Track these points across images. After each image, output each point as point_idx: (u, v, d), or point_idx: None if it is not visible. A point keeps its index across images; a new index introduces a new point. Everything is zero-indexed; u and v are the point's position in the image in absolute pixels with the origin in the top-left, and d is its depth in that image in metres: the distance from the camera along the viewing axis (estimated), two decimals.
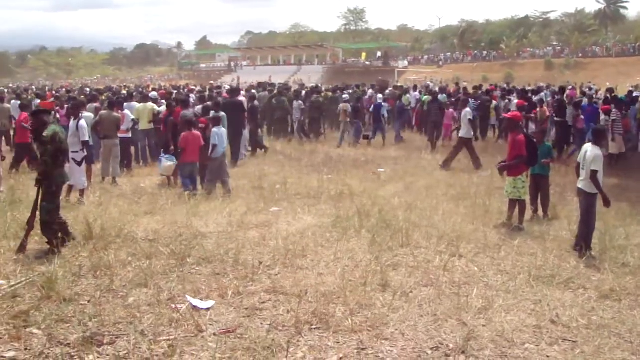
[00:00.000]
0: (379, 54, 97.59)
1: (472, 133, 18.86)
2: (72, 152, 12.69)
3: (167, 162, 14.81)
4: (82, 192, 12.91)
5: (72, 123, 13.11)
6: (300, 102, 24.14)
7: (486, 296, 7.29)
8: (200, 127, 14.44)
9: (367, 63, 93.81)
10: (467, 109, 18.48)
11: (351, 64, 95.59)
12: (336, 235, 9.83)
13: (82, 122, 12.90)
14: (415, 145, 22.99)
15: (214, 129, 13.99)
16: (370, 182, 15.42)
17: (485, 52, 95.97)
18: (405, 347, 5.95)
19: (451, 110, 22.50)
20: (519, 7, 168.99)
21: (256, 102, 21.51)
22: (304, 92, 27.96)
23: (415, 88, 32.56)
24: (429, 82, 50.11)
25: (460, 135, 18.48)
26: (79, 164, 12.82)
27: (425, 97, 26.97)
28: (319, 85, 43.02)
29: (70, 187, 12.66)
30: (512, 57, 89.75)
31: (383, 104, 25.15)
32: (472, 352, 5.85)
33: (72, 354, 5.71)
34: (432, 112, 22.79)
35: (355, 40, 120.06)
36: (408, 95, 28.30)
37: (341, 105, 24.09)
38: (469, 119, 18.04)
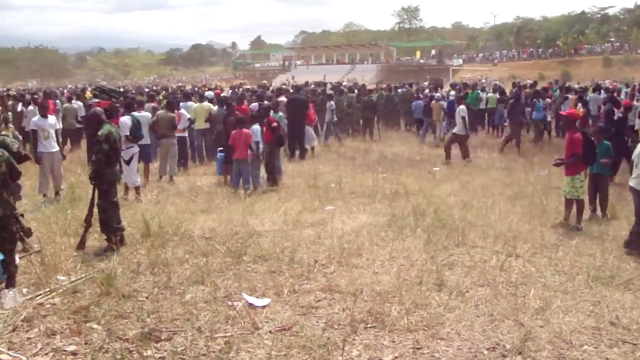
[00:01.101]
0: (433, 52, 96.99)
1: (466, 130, 19.06)
2: (122, 150, 12.90)
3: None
4: (137, 189, 13.09)
5: None
6: (332, 102, 23.83)
7: (544, 297, 7.17)
8: (273, 125, 14.66)
9: (421, 61, 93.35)
10: (462, 107, 18.84)
11: (405, 63, 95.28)
12: (391, 234, 9.82)
13: (123, 119, 13.07)
14: (470, 143, 22.76)
15: (253, 127, 14.11)
16: (426, 180, 15.31)
17: (541, 50, 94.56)
18: (461, 347, 5.90)
19: (528, 109, 22.38)
20: (576, 3, 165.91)
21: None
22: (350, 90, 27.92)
23: (474, 86, 31.99)
24: (496, 81, 48.59)
25: (454, 131, 18.94)
26: (127, 162, 12.98)
27: (491, 95, 26.59)
28: (365, 84, 42.84)
29: (127, 185, 12.90)
30: (569, 54, 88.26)
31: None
32: (530, 353, 5.77)
33: (131, 349, 5.82)
34: (514, 112, 22.37)
35: (409, 39, 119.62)
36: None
37: (434, 103, 24.05)
38: (462, 116, 18.43)
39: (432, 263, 8.21)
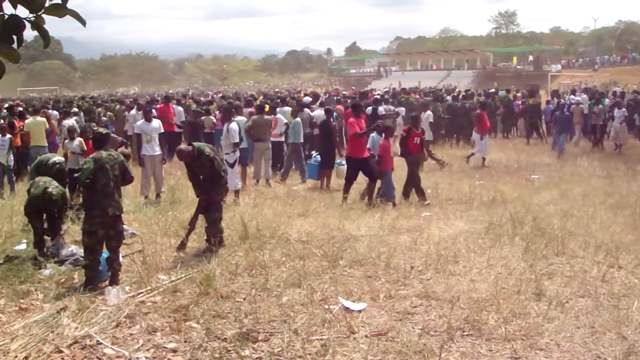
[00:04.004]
0: (530, 57, 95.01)
1: (432, 136, 19.54)
2: (225, 154, 13.21)
3: (343, 167, 15.35)
4: (237, 193, 13.34)
5: (224, 126, 13.64)
6: (381, 108, 23.45)
7: None
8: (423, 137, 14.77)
9: (519, 67, 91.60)
10: (429, 112, 19.45)
11: (502, 68, 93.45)
12: (489, 241, 9.67)
13: (232, 125, 13.36)
14: (570, 151, 22.26)
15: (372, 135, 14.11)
16: (524, 188, 15.06)
17: None
18: (560, 358, 5.76)
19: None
20: None
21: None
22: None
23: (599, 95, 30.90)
24: (617, 88, 45.81)
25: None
26: (231, 165, 13.26)
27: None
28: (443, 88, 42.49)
29: (226, 189, 13.17)
30: None
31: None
32: None
33: (229, 348, 5.92)
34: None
35: (506, 44, 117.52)
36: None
37: (575, 107, 23.80)
38: (430, 122, 18.80)
39: (531, 272, 8.04)
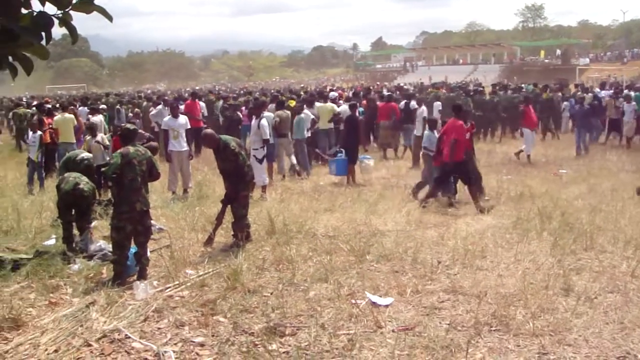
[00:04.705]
0: (558, 51, 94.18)
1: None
2: (253, 149, 13.24)
3: (369, 162, 15.39)
4: (264, 188, 13.37)
5: (253, 122, 13.66)
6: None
7: None
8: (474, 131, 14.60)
9: (546, 61, 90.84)
10: (423, 107, 19.06)
11: (529, 63, 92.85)
12: (516, 236, 9.62)
13: (263, 121, 13.40)
14: (598, 145, 22.02)
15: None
16: (552, 183, 14.94)
17: None
18: (589, 354, 5.71)
19: None
20: None
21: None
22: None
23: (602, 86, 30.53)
24: None
25: (416, 134, 18.25)
26: (260, 161, 13.31)
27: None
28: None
29: (253, 184, 13.19)
30: None
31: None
32: None
33: (256, 342, 5.95)
34: None
35: (533, 38, 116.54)
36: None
37: (608, 99, 23.61)
38: (423, 117, 17.87)
39: (559, 267, 7.98)
